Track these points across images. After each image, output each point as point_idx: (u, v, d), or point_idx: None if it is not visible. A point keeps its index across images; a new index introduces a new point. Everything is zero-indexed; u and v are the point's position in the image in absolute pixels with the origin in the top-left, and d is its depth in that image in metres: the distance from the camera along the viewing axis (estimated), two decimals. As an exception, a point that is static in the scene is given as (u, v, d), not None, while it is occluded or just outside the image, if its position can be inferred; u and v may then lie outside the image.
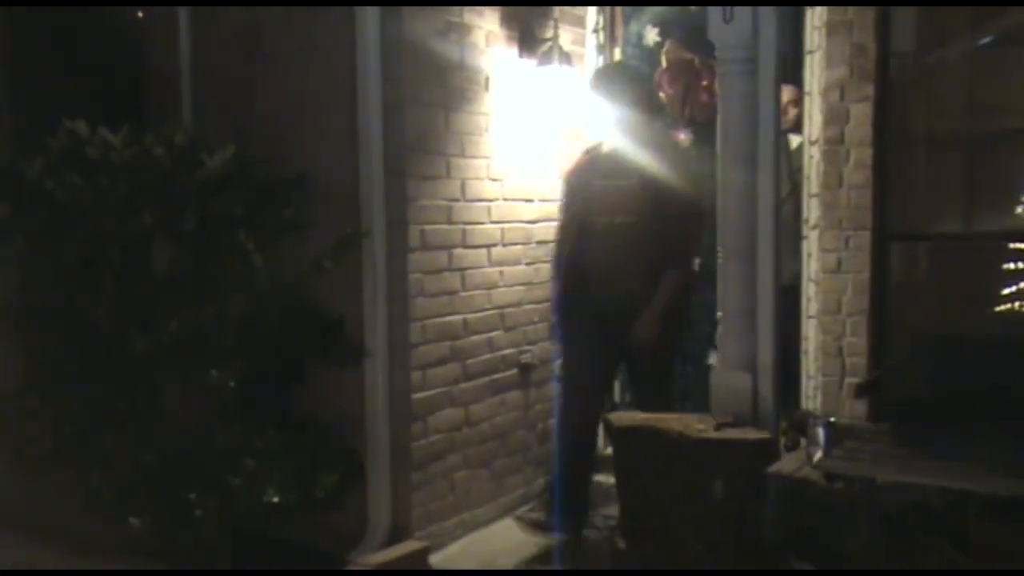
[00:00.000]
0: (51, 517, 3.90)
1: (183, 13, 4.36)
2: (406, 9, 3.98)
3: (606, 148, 4.30)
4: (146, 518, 3.57)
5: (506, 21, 4.50)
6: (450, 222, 4.22)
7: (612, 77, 4.35)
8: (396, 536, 4.09)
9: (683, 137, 5.24)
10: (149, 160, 3.61)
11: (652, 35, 5.33)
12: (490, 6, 4.39)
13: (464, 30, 4.27)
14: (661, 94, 5.27)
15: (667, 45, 5.23)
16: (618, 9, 5.22)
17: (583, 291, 4.26)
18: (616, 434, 4.00)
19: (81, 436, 3.61)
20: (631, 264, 4.14)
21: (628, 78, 4.35)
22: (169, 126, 3.86)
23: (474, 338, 4.38)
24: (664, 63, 5.21)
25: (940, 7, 4.49)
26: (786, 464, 3.34)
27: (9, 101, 4.35)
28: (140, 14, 4.55)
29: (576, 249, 4.28)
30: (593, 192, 4.26)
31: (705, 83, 5.06)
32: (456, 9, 4.23)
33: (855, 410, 4.39)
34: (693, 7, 5.27)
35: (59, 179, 3.54)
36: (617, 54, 5.24)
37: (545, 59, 4.59)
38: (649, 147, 4.19)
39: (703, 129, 5.02)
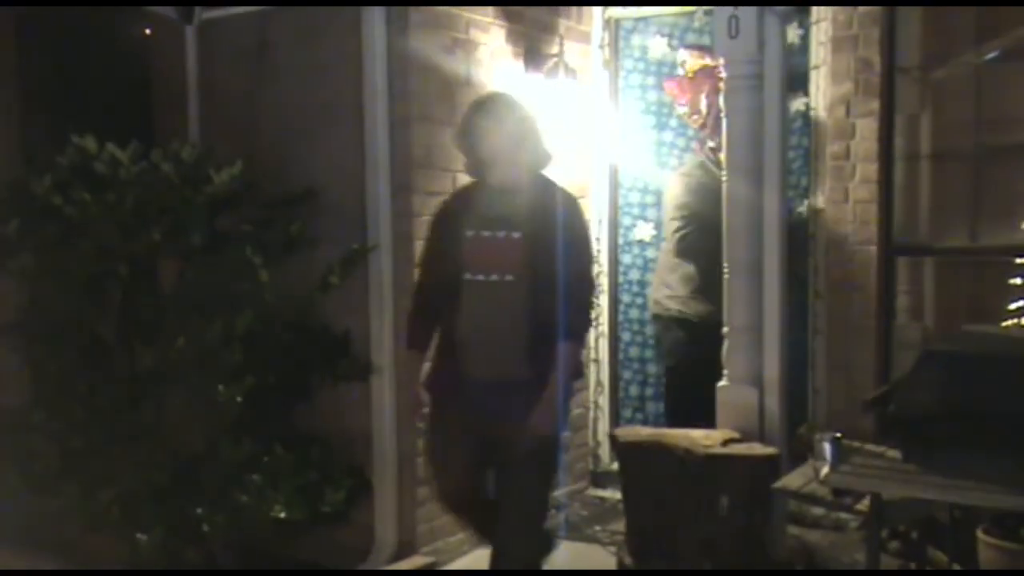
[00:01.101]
0: (58, 533, 3.90)
1: (190, 29, 4.39)
2: (412, 26, 4.01)
3: (480, 190, 3.42)
4: (153, 534, 3.57)
5: (512, 37, 4.52)
6: (456, 237, 4.23)
7: (496, 112, 3.39)
8: (402, 552, 4.09)
9: (710, 147, 5.08)
10: (157, 176, 3.63)
11: (661, 46, 5.30)
12: (494, 6, 4.41)
13: (470, 46, 4.29)
14: (678, 106, 5.22)
15: (681, 54, 5.19)
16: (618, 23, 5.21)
17: (453, 369, 3.35)
18: (622, 450, 4.00)
19: (88, 452, 3.62)
20: (512, 335, 3.27)
21: (513, 113, 3.40)
22: (177, 142, 3.88)
23: (480, 353, 4.37)
24: (683, 74, 5.16)
25: (945, 23, 4.50)
26: (793, 479, 3.33)
27: (19, 118, 4.37)
28: (148, 31, 4.58)
29: (436, 315, 3.40)
30: (464, 244, 3.34)
31: None
32: (462, 25, 4.25)
33: (862, 425, 4.38)
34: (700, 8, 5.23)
35: (68, 195, 3.55)
36: (621, 70, 5.23)
37: (551, 75, 4.61)
38: (536, 191, 3.36)
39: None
